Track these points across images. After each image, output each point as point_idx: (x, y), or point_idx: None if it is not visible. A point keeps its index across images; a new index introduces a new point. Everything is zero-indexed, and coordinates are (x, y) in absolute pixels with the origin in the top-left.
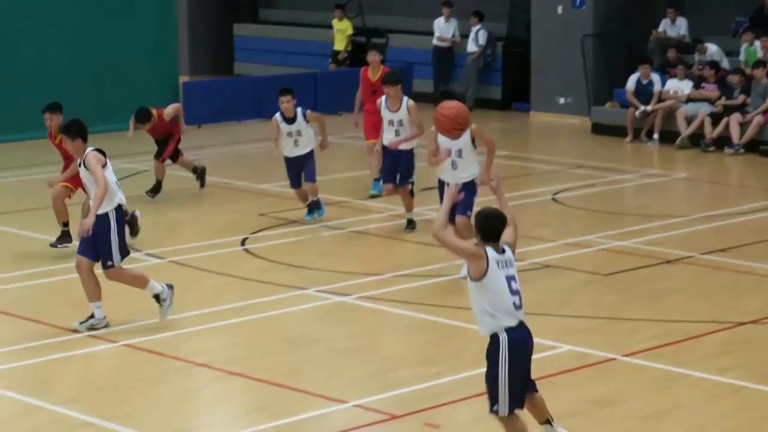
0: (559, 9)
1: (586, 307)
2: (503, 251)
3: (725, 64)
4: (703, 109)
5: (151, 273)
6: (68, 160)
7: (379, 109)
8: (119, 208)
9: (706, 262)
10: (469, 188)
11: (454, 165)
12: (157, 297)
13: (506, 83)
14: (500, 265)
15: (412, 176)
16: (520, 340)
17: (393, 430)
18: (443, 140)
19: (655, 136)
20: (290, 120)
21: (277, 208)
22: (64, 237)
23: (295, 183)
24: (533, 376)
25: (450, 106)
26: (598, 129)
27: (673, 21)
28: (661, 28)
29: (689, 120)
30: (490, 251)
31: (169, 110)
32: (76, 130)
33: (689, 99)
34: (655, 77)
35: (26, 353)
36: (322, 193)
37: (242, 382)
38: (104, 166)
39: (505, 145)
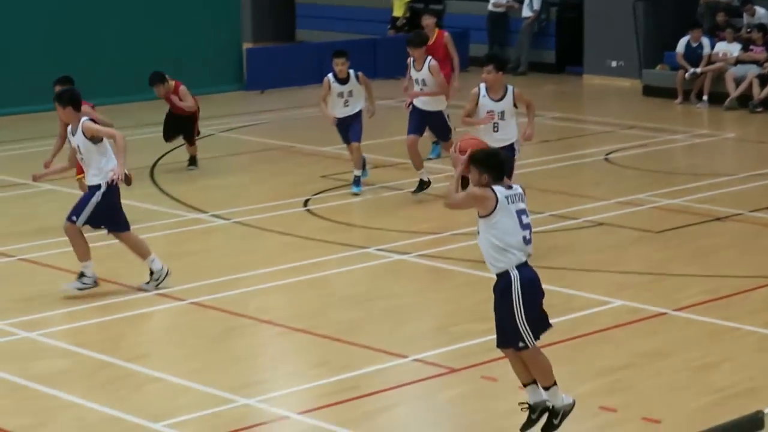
0: None
1: (637, 264)
2: (510, 187)
3: None
4: (752, 71)
5: (217, 233)
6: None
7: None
8: (110, 184)
9: (755, 219)
10: (510, 152)
11: (495, 127)
12: (81, 274)
13: (560, 47)
14: (510, 199)
15: (450, 134)
16: (531, 278)
17: (451, 384)
18: (487, 102)
19: (705, 97)
20: (343, 81)
21: (338, 170)
22: None
23: (347, 141)
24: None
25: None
26: (649, 91)
27: None
28: None
29: (738, 82)
30: (497, 188)
31: (185, 92)
32: (67, 99)
33: (738, 61)
34: (705, 41)
35: (98, 311)
36: (381, 154)
37: (305, 338)
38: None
39: (559, 107)
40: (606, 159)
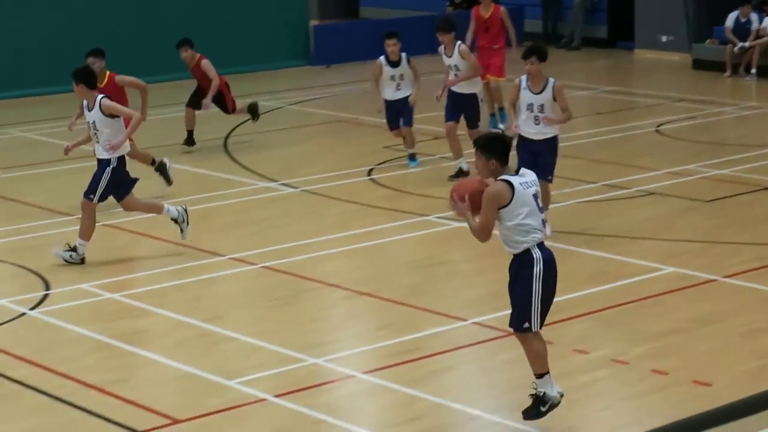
0: None
1: (688, 232)
2: (517, 172)
3: None
4: None
5: (286, 201)
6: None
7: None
8: (121, 160)
9: None
10: (551, 147)
11: (536, 120)
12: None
13: (612, 23)
14: (524, 186)
15: (478, 122)
16: (550, 259)
17: (508, 346)
18: (527, 94)
19: (753, 70)
20: (394, 63)
21: (400, 141)
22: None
23: (394, 124)
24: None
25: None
26: (699, 65)
27: None
28: None
29: None
30: (510, 178)
31: (208, 66)
32: (79, 77)
33: None
34: (754, 16)
35: (176, 274)
36: (441, 126)
37: (370, 302)
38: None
39: (611, 81)
40: (657, 131)
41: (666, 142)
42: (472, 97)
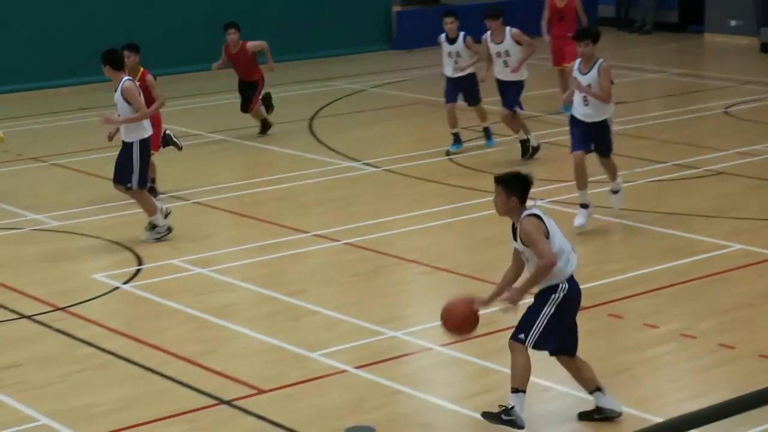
0: None
1: (755, 210)
2: (532, 205)
3: None
4: None
5: (367, 180)
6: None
7: (486, 43)
8: (144, 141)
9: None
10: (601, 132)
11: (585, 101)
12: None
13: (682, 7)
14: (545, 218)
15: (515, 106)
16: (576, 289)
17: (580, 321)
18: (577, 75)
19: None
20: (452, 41)
21: (478, 121)
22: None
23: (448, 99)
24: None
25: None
26: (767, 48)
27: None
28: None
29: None
30: (535, 211)
31: (254, 44)
32: (105, 58)
33: None
34: None
35: (262, 250)
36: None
37: (447, 277)
38: (139, 94)
39: (682, 64)
40: (725, 112)
41: (734, 123)
42: (517, 85)
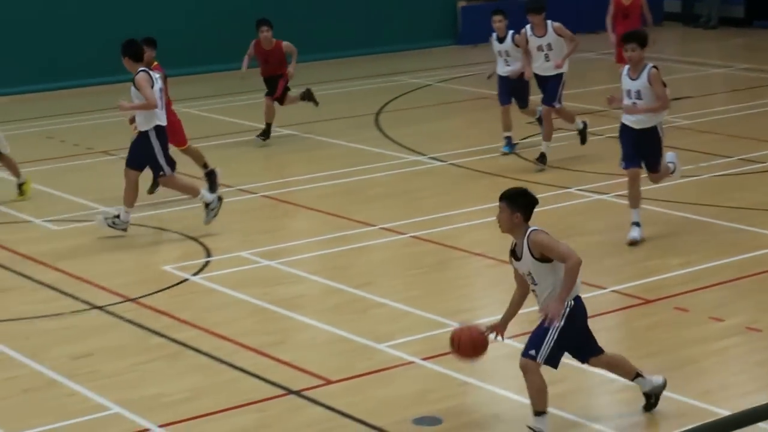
0: None
1: None
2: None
3: None
4: None
5: (433, 174)
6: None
7: (526, 37)
8: (159, 128)
9: None
10: (651, 139)
11: (635, 107)
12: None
13: (748, 2)
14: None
15: (554, 101)
16: (582, 303)
17: (646, 313)
18: (626, 81)
19: None
20: (501, 40)
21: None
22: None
23: (502, 99)
24: None
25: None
26: None
27: None
28: None
29: None
30: (541, 228)
31: (287, 45)
32: (124, 50)
33: None
34: None
35: (328, 243)
36: (582, 102)
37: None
38: (152, 86)
39: (747, 59)
40: None
41: None
42: (556, 78)
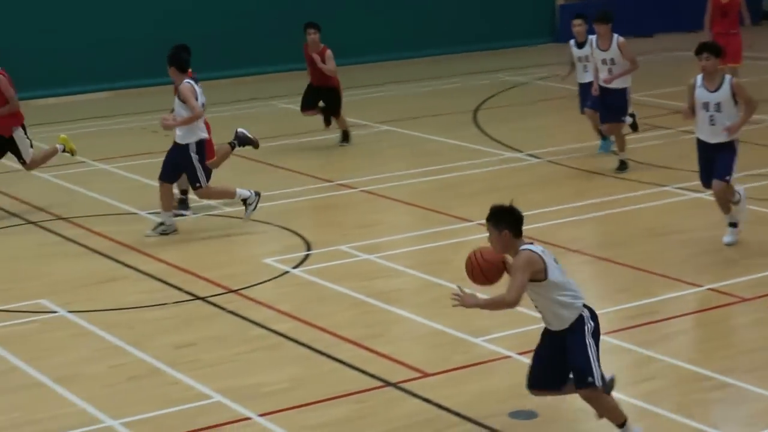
0: None
1: None
2: (531, 242)
3: None
4: None
5: (531, 171)
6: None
7: (591, 49)
8: (201, 142)
9: None
10: (728, 149)
11: (711, 120)
12: (244, 201)
13: None
14: (545, 254)
15: (625, 114)
16: (596, 316)
17: (742, 312)
18: (702, 93)
19: None
20: (581, 45)
21: (647, 113)
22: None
23: (583, 106)
24: None
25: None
26: None
27: None
28: None
29: None
30: (531, 247)
31: (330, 57)
32: (170, 60)
33: None
34: None
35: (426, 238)
36: (678, 100)
37: (609, 266)
38: (196, 98)
39: None
40: None
41: None
42: (621, 93)
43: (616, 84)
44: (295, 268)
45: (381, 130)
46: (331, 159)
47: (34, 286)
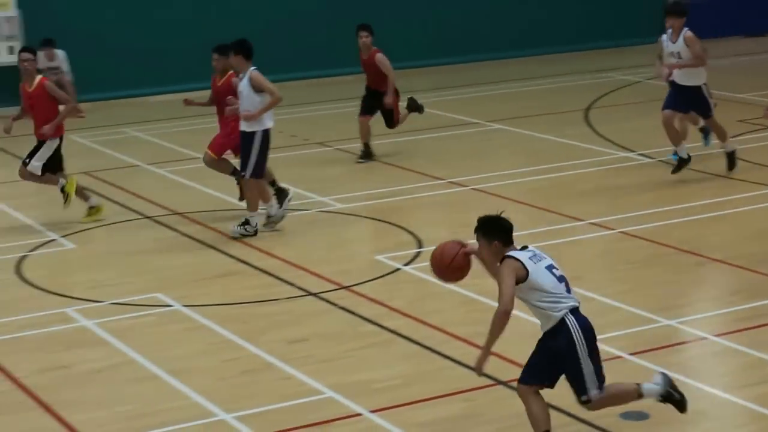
0: None
1: None
2: (524, 247)
3: None
4: None
5: (642, 170)
6: None
7: (661, 44)
8: (266, 132)
9: None
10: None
11: None
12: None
13: None
14: (534, 259)
15: (711, 111)
16: (587, 327)
17: None
18: None
19: None
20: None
21: (755, 114)
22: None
23: (668, 105)
24: None
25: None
26: None
27: None
28: None
29: None
30: (516, 254)
31: (382, 60)
32: (237, 48)
33: None
34: None
35: (537, 237)
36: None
37: (722, 267)
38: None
39: None
40: None
41: None
42: (696, 90)
43: (690, 82)
44: (406, 265)
45: (492, 128)
46: (442, 157)
47: (149, 279)
